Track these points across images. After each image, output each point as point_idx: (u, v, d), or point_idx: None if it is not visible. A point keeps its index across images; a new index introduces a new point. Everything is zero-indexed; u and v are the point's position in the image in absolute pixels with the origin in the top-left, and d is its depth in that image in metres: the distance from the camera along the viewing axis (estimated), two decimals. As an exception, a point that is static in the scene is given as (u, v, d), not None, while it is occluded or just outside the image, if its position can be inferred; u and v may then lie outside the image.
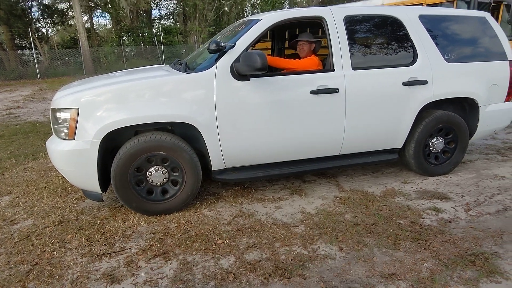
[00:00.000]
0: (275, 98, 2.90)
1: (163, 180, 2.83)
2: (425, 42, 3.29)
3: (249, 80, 2.80)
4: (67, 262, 2.30)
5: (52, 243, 2.52)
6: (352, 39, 3.12)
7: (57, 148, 2.66)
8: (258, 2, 24.41)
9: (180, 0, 23.12)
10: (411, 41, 3.27)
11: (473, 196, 3.15)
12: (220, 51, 2.77)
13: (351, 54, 3.08)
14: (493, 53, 3.56)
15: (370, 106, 3.14)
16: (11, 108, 9.01)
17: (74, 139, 2.61)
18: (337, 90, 2.99)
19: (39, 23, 23.53)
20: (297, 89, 2.94)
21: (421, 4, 6.92)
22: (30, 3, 21.44)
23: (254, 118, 2.87)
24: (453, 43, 3.44)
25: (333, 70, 3.03)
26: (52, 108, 2.74)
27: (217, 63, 2.77)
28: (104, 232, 2.65)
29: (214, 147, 2.84)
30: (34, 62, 18.28)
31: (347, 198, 3.16)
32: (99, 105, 2.60)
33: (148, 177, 2.79)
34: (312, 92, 2.94)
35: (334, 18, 3.07)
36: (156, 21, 26.14)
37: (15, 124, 6.98)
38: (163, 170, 2.80)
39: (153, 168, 2.77)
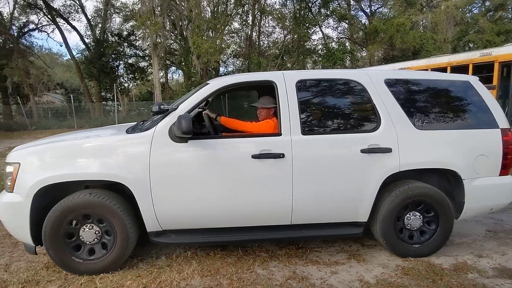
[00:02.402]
0: (214, 162, 2.83)
1: (94, 239, 2.80)
2: (390, 108, 3.04)
3: (187, 142, 2.78)
4: (124, 310, 2.39)
5: (113, 287, 2.66)
6: (305, 103, 3.04)
7: (0, 199, 2.79)
8: (320, 59, 25.33)
9: (246, 58, 25.06)
10: (373, 106, 3.05)
11: None
12: (162, 113, 2.86)
13: (302, 119, 2.95)
14: (480, 121, 3.16)
15: (323, 174, 2.91)
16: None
17: (12, 192, 2.74)
18: (281, 155, 2.83)
19: (123, 78, 27.15)
20: (237, 153, 2.86)
21: (445, 69, 6.43)
22: (118, 62, 25.01)
23: (190, 181, 2.80)
24: (426, 109, 3.15)
25: (280, 135, 2.92)
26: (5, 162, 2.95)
27: (157, 125, 2.83)
28: (160, 282, 2.73)
29: (147, 207, 2.77)
30: (114, 112, 20.83)
31: (411, 269, 2.87)
32: (36, 161, 2.76)
33: (80, 234, 2.79)
34: (253, 157, 2.82)
35: (285, 83, 3.02)
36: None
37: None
38: (97, 230, 2.79)
39: (87, 226, 2.78)
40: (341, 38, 27.59)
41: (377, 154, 2.93)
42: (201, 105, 3.40)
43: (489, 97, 3.25)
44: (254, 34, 24.69)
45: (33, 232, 2.72)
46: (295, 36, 23.91)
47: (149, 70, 27.11)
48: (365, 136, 2.97)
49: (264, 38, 26.29)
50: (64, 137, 3.16)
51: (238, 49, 26.01)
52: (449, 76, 3.42)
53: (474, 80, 3.31)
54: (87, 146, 2.82)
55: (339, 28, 27.37)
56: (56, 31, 24.79)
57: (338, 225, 3.08)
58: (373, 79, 3.12)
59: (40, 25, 25.34)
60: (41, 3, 22.74)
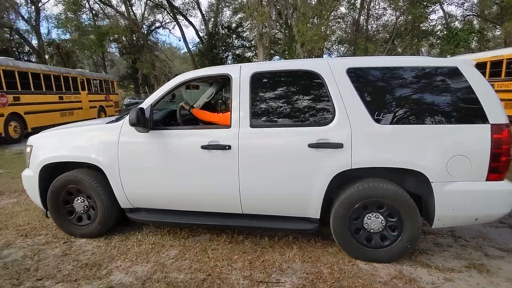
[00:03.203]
0: (168, 150, 3.07)
1: (82, 210, 3.42)
2: (348, 99, 2.75)
3: (148, 132, 3.09)
4: (232, 280, 2.63)
5: (222, 259, 2.95)
6: (258, 96, 2.97)
7: (23, 173, 3.58)
8: (438, 42, 22.35)
9: (351, 44, 23.88)
10: (330, 98, 2.80)
11: None
12: (133, 106, 3.12)
13: (253, 112, 2.93)
14: (462, 114, 2.62)
15: (269, 167, 2.86)
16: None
17: (28, 168, 3.51)
18: (227, 147, 2.88)
19: (231, 69, 29.08)
20: (189, 143, 3.03)
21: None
22: (227, 53, 26.82)
23: (149, 166, 3.12)
24: (393, 101, 2.73)
25: (229, 127, 2.95)
26: None
27: (127, 116, 3.14)
28: (263, 261, 2.90)
29: (117, 187, 3.25)
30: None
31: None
32: (42, 145, 3.46)
33: (74, 203, 3.43)
34: (202, 147, 2.95)
35: (241, 76, 3.00)
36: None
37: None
38: (85, 204, 3.40)
39: (80, 199, 3.41)
40: (467, 15, 23.77)
41: (326, 150, 2.75)
42: (167, 99, 3.52)
43: (481, 86, 2.62)
44: (361, 18, 23.24)
45: (43, 199, 3.46)
46: (409, 17, 21.59)
47: (254, 59, 28.32)
48: (315, 130, 2.80)
49: (372, 22, 24.55)
50: (67, 126, 3.81)
51: (344, 35, 24.92)
52: (432, 62, 2.78)
53: (464, 65, 2.69)
54: (75, 135, 3.43)
55: (466, 4, 23.58)
56: (176, 27, 27.94)
57: (291, 219, 3.03)
58: (334, 68, 2.86)
59: (164, 23, 29.00)
60: (166, 3, 25.86)
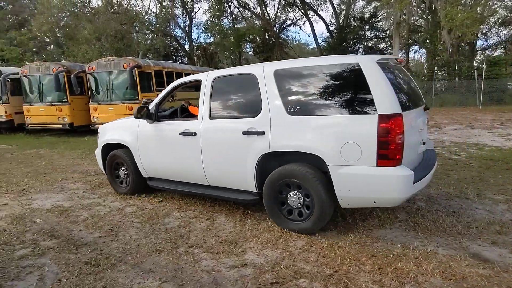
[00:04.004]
0: (161, 136, 4.28)
1: (123, 176, 4.94)
2: (270, 96, 3.37)
3: (153, 123, 4.33)
4: (360, 282, 2.54)
5: (350, 259, 2.87)
6: (216, 94, 3.80)
7: (96, 150, 5.24)
8: None
9: (517, 24, 19.35)
10: (259, 94, 3.44)
11: None
12: (147, 104, 4.38)
13: (212, 107, 3.80)
14: (355, 106, 2.95)
15: (219, 150, 3.71)
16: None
17: (98, 147, 5.16)
18: (194, 134, 3.86)
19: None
20: (173, 130, 4.11)
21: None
22: (358, 46, 25.61)
23: (152, 146, 4.38)
24: (302, 95, 3.25)
25: (197, 118, 3.91)
26: None
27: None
28: (395, 268, 2.69)
29: (138, 161, 4.58)
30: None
31: None
32: (102, 131, 5.10)
33: (119, 170, 4.97)
34: (180, 134, 3.99)
35: (206, 80, 3.90)
36: (479, 52, 23.40)
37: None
38: (125, 171, 4.89)
39: (123, 167, 4.91)
40: None
41: (253, 136, 3.42)
42: (168, 99, 4.62)
43: (376, 80, 2.90)
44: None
45: (104, 163, 5.06)
46: None
47: (388, 51, 26.18)
48: (247, 121, 3.49)
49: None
50: (118, 120, 5.20)
51: (508, 15, 20.40)
52: (338, 60, 3.18)
53: (365, 62, 3.01)
54: (118, 125, 4.93)
55: None
56: (306, 23, 28.33)
57: (240, 191, 3.73)
58: (265, 70, 3.48)
59: (295, 20, 29.72)
60: (297, 0, 26.45)
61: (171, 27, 28.57)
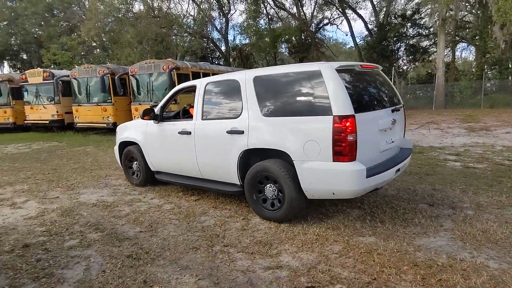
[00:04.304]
0: (164, 134, 4.87)
1: (135, 168, 5.58)
2: (250, 99, 3.85)
3: (158, 123, 4.94)
4: (401, 292, 2.42)
5: (390, 267, 2.75)
6: (207, 98, 4.37)
7: (114, 148, 5.97)
8: None
9: None
10: (241, 98, 3.93)
11: None
12: (154, 107, 5.01)
13: (204, 109, 4.36)
14: (315, 108, 3.36)
15: (209, 147, 4.25)
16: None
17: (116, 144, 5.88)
18: (189, 133, 4.44)
19: (401, 61, 26.44)
20: (173, 130, 4.71)
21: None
22: (398, 44, 24.58)
23: (157, 143, 4.98)
24: (274, 99, 3.70)
25: (192, 119, 4.52)
26: None
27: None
28: (440, 280, 2.54)
29: (146, 156, 5.18)
30: (390, 96, 20.79)
31: None
32: (119, 131, 5.80)
33: (132, 163, 5.64)
34: (178, 133, 4.58)
35: (199, 86, 4.48)
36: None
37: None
38: (137, 164, 5.52)
39: (134, 161, 5.58)
40: None
41: (235, 135, 3.90)
42: (172, 102, 5.29)
43: (333, 85, 3.25)
44: None
45: (121, 158, 5.76)
46: None
47: (431, 49, 24.88)
48: (231, 121, 3.97)
49: None
50: (131, 122, 5.91)
51: None
52: (304, 67, 3.58)
53: (325, 69, 3.36)
54: (131, 125, 5.60)
55: None
56: (344, 22, 27.69)
57: (227, 183, 4.22)
58: (247, 77, 3.95)
59: (332, 19, 29.14)
60: (335, -1, 25.92)
61: (208, 29, 29.20)
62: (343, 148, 3.15)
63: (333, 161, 3.23)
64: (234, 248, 3.22)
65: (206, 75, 13.13)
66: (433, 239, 3.24)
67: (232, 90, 4.08)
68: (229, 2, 28.63)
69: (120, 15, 24.15)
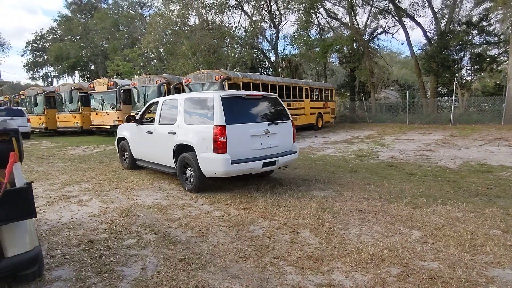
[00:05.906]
0: (139, 133, 7.06)
1: (124, 154, 8.03)
2: (181, 112, 5.92)
3: (138, 125, 7.11)
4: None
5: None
6: (163, 109, 6.48)
7: (115, 142, 8.43)
8: None
9: None
10: (177, 111, 6.02)
11: None
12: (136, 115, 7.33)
13: (161, 117, 6.45)
14: (208, 120, 5.30)
15: (159, 141, 6.37)
16: (424, 150, 10.06)
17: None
18: (151, 132, 6.65)
19: (465, 71, 24.51)
20: (144, 130, 6.88)
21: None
22: (462, 53, 22.85)
23: (136, 139, 7.24)
24: (192, 112, 5.77)
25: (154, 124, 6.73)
26: None
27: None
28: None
29: (131, 148, 7.48)
30: (450, 109, 19.35)
31: None
32: (118, 131, 8.06)
33: (125, 152, 7.98)
34: (146, 132, 6.81)
35: (180, 100, 6.07)
36: None
37: (426, 166, 7.72)
38: (126, 153, 7.89)
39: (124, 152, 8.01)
40: None
41: (172, 135, 5.96)
42: (148, 111, 7.36)
43: (216, 106, 5.21)
44: None
45: (120, 154, 8.06)
46: None
47: (501, 58, 22.80)
48: (171, 126, 6.05)
49: None
50: (126, 124, 7.74)
51: None
52: (206, 94, 5.70)
53: (215, 96, 5.31)
54: (125, 126, 7.68)
55: None
56: (400, 31, 26.47)
57: (169, 167, 6.29)
58: (180, 98, 6.19)
59: (387, 28, 28.05)
60: (391, 7, 24.96)
61: (259, 40, 29.72)
62: (218, 145, 5.06)
63: (214, 152, 5.12)
64: (284, 261, 3.16)
65: (255, 85, 13.32)
66: (509, 271, 2.88)
67: (174, 106, 6.16)
68: (280, 14, 28.93)
69: (176, 28, 25.59)
